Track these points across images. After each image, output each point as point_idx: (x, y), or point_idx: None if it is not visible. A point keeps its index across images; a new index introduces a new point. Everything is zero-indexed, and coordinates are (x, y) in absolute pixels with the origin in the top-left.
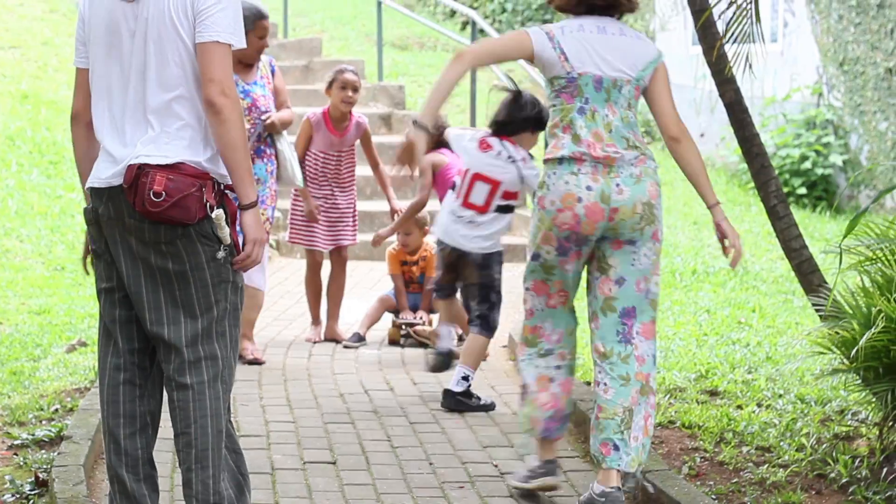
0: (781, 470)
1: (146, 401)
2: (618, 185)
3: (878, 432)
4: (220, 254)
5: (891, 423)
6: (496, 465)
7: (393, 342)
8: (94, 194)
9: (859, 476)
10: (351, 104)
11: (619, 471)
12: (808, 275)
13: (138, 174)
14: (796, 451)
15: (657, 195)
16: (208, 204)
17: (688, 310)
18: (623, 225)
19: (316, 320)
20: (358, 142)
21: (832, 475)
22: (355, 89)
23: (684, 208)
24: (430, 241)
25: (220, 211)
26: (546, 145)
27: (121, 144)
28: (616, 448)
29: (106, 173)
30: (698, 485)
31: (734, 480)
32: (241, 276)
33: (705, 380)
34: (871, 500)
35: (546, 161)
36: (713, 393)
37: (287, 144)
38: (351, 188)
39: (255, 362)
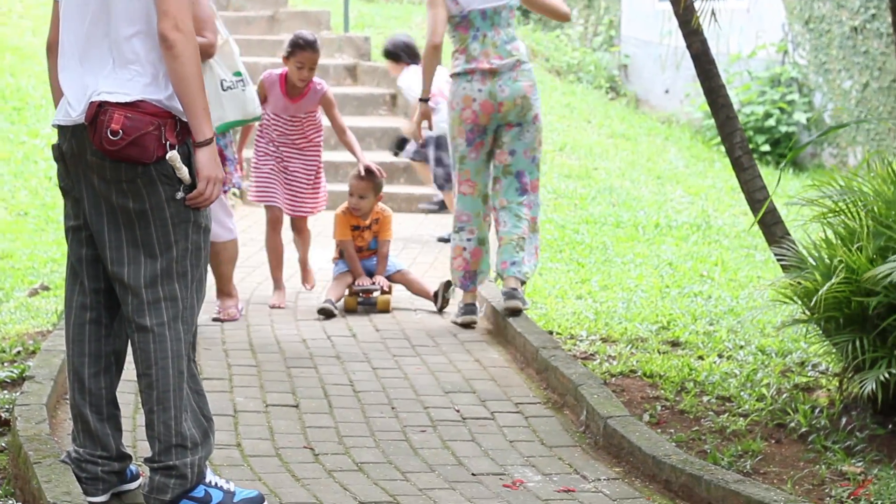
0: (741, 419)
1: (111, 340)
2: (500, 86)
3: (837, 383)
4: (179, 194)
5: (850, 375)
6: (458, 411)
7: (350, 310)
8: (60, 131)
9: (818, 426)
10: (307, 82)
11: (516, 278)
12: (772, 226)
13: (98, 112)
14: (756, 400)
15: (532, 89)
16: (168, 143)
17: (650, 262)
18: (509, 113)
19: (278, 284)
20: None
21: (792, 425)
22: (312, 68)
23: (647, 163)
24: (383, 206)
25: (174, 151)
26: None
27: (81, 80)
28: (514, 264)
29: (68, 111)
30: (659, 432)
31: (694, 428)
32: (203, 216)
33: (667, 331)
34: (830, 449)
35: (451, 76)
36: (675, 343)
37: (216, 85)
38: (313, 157)
39: (224, 320)
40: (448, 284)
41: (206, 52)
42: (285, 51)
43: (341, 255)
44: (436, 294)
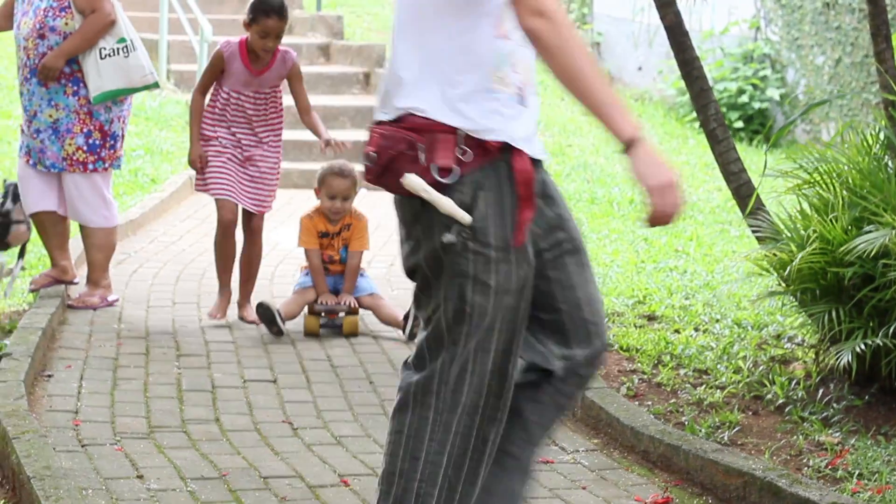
0: (718, 391)
1: None
2: None
3: (813, 355)
4: (448, 237)
5: (826, 346)
6: None
7: (310, 334)
8: None
9: (795, 397)
10: (270, 52)
11: None
12: (746, 198)
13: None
14: (733, 373)
15: None
16: (432, 166)
17: (625, 238)
18: None
19: (224, 288)
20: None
21: (769, 397)
22: (278, 36)
23: None
24: (357, 209)
25: (413, 176)
26: None
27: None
28: None
29: None
30: (636, 404)
31: (672, 401)
32: (493, 272)
33: (643, 305)
34: (807, 420)
35: None
36: (651, 318)
37: (94, 54)
38: (275, 144)
39: (77, 307)
40: None
41: (106, 26)
42: (247, 16)
43: None
44: (406, 317)
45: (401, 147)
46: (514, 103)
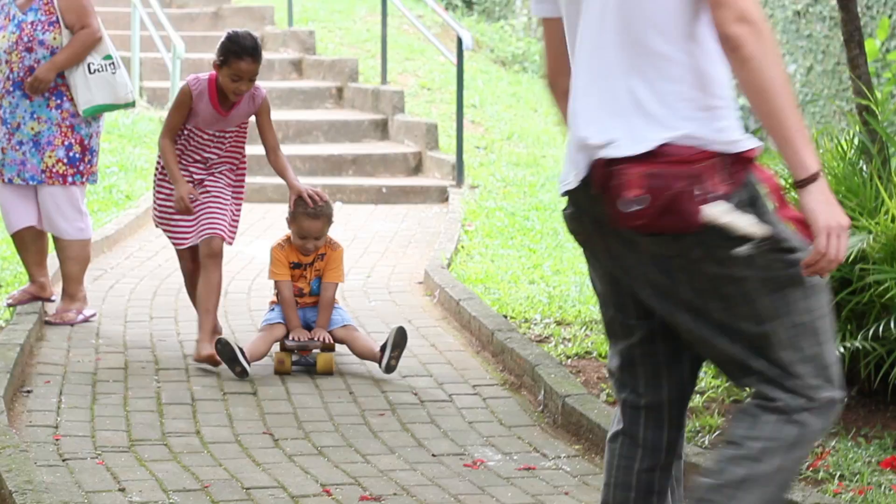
0: (698, 396)
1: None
2: None
3: None
4: (742, 250)
5: None
6: (416, 394)
7: (282, 372)
8: None
9: None
10: (242, 94)
11: None
12: None
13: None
14: (712, 378)
15: None
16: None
17: None
18: None
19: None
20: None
21: (748, 401)
22: (251, 79)
23: None
24: (332, 238)
25: (717, 207)
26: None
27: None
28: None
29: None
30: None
31: None
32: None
33: None
34: None
35: None
36: None
37: (83, 69)
38: (232, 176)
39: (56, 323)
40: (402, 333)
41: (95, 42)
42: (217, 58)
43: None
44: (382, 348)
45: (680, 184)
46: (736, 112)
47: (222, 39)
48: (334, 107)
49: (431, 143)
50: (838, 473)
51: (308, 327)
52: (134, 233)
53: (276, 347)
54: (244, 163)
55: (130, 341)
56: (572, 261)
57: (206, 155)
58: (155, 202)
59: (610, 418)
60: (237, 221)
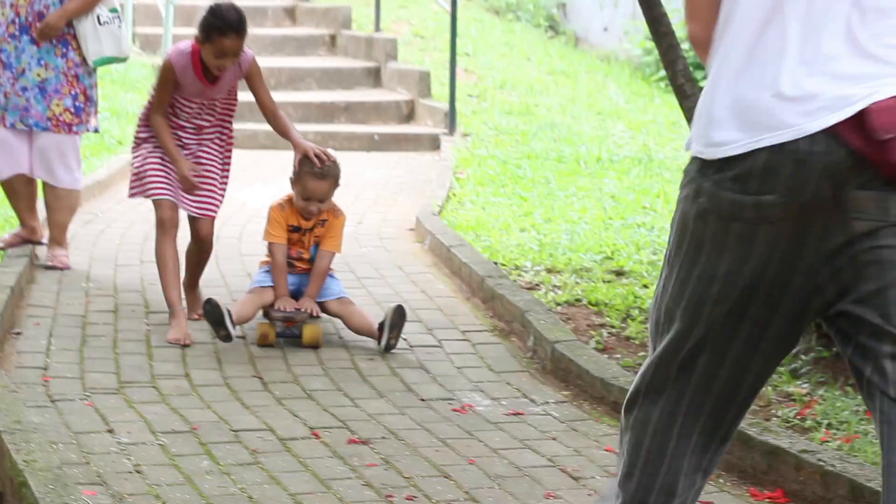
0: None
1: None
2: None
3: None
4: None
5: None
6: (405, 339)
7: (265, 344)
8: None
9: None
10: (225, 70)
11: None
12: None
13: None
14: None
15: None
16: None
17: (593, 195)
18: None
19: (174, 310)
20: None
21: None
22: (236, 54)
23: (588, 99)
24: (335, 205)
25: None
26: None
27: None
28: None
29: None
30: (606, 357)
31: (641, 354)
32: None
33: (611, 261)
34: (775, 371)
35: None
36: (619, 273)
37: (93, 20)
38: (220, 144)
39: (58, 267)
40: (400, 313)
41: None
42: (199, 34)
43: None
44: (381, 326)
45: None
46: None
47: (204, 14)
48: (327, 54)
49: (424, 91)
50: (826, 422)
51: (300, 295)
52: (125, 178)
53: (263, 315)
54: (232, 131)
55: (121, 285)
56: (563, 209)
57: (197, 122)
58: (138, 161)
59: (599, 364)
60: (224, 192)
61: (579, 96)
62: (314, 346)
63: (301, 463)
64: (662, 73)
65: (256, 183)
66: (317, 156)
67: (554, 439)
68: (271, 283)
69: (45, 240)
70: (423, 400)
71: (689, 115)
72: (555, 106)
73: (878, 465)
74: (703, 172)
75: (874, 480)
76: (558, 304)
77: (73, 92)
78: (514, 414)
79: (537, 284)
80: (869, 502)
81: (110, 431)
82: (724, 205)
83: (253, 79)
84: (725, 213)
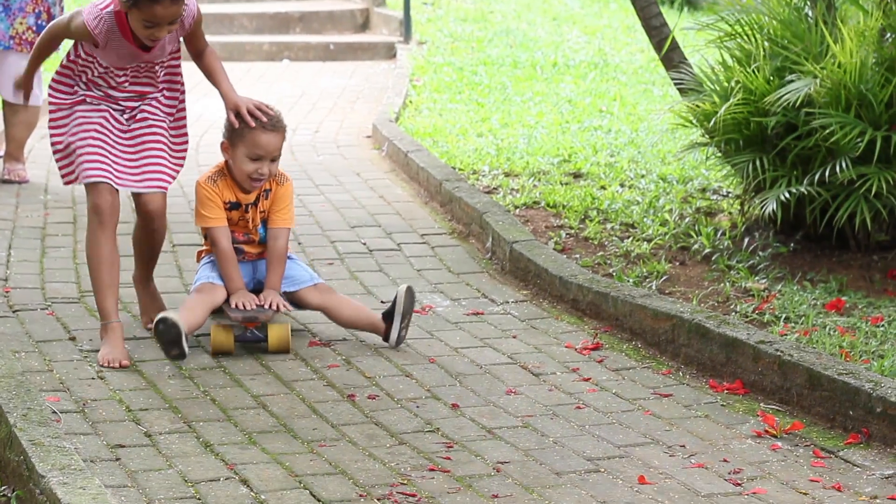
0: (645, 243)
1: None
2: None
3: (738, 206)
4: None
5: (751, 196)
6: (364, 244)
7: (220, 353)
8: None
9: (721, 247)
10: (159, 40)
11: None
12: (669, 52)
13: None
14: (660, 225)
15: None
16: None
17: (549, 100)
18: None
19: (108, 319)
20: None
21: (695, 247)
22: (172, 22)
23: (543, 5)
24: (278, 168)
25: None
26: None
27: None
28: None
29: None
30: (565, 257)
31: (599, 253)
32: None
33: (568, 163)
34: (733, 268)
35: None
36: (577, 175)
37: None
38: (173, 104)
39: (16, 181)
40: (411, 296)
41: None
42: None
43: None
44: (388, 315)
45: None
46: None
47: None
48: None
49: (378, 0)
50: (784, 316)
51: (260, 289)
52: None
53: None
54: (182, 87)
55: (78, 197)
56: (520, 114)
57: (136, 89)
58: (61, 137)
59: (558, 263)
60: (178, 162)
61: (534, 2)
62: (283, 351)
63: (263, 366)
64: None
65: (213, 93)
66: (251, 114)
67: (514, 337)
68: (218, 280)
69: (1, 153)
70: (382, 302)
71: (642, 14)
72: (510, 12)
73: (835, 355)
74: None
75: (831, 368)
76: (516, 207)
77: (36, 10)
78: (474, 314)
79: (495, 188)
80: (826, 390)
81: (72, 339)
82: None
83: (194, 29)
84: None
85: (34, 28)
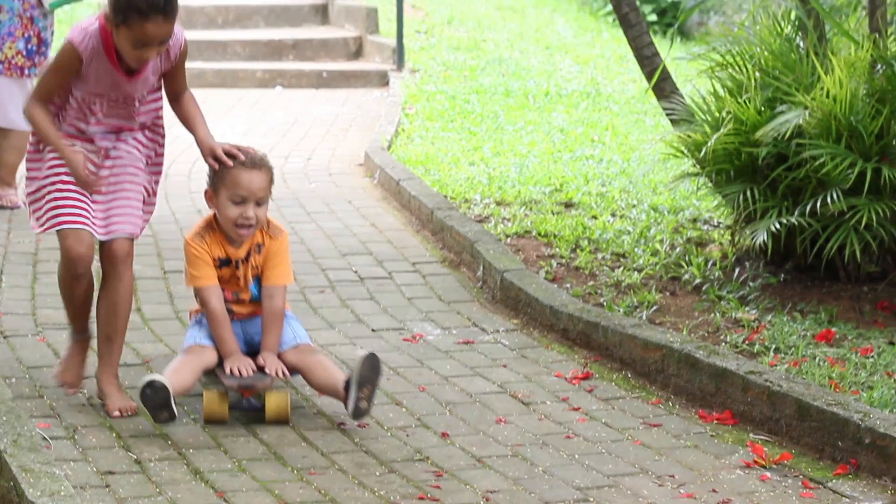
0: (636, 273)
1: None
2: None
3: (729, 236)
4: None
5: (742, 226)
6: (355, 271)
7: (213, 420)
8: None
9: (712, 277)
10: (148, 62)
11: None
12: (660, 82)
13: None
14: (650, 255)
15: None
16: None
17: (541, 129)
18: None
19: (81, 335)
20: None
21: (686, 277)
22: (163, 42)
23: (536, 34)
24: (272, 220)
25: None
26: None
27: None
28: None
29: None
30: (556, 287)
31: (590, 283)
32: None
33: (560, 192)
34: (724, 298)
35: None
36: (568, 204)
37: None
38: (151, 144)
39: (7, 207)
40: (372, 364)
41: None
42: (113, 15)
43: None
44: (347, 384)
45: None
46: None
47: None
48: None
49: (372, 28)
50: (773, 346)
51: (252, 351)
52: None
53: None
54: (162, 126)
55: None
56: (512, 143)
57: (111, 122)
58: (28, 190)
59: (549, 293)
60: (150, 209)
61: (527, 31)
62: (282, 422)
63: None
64: (609, 7)
65: (207, 120)
66: (228, 153)
67: (504, 366)
68: (209, 342)
69: None
70: (373, 330)
71: (634, 44)
72: (503, 41)
73: (824, 386)
74: None
75: (820, 399)
76: (508, 236)
77: (26, 34)
78: (465, 342)
79: (487, 217)
80: (815, 421)
81: None
82: None
83: (178, 63)
84: None
85: (24, 52)
